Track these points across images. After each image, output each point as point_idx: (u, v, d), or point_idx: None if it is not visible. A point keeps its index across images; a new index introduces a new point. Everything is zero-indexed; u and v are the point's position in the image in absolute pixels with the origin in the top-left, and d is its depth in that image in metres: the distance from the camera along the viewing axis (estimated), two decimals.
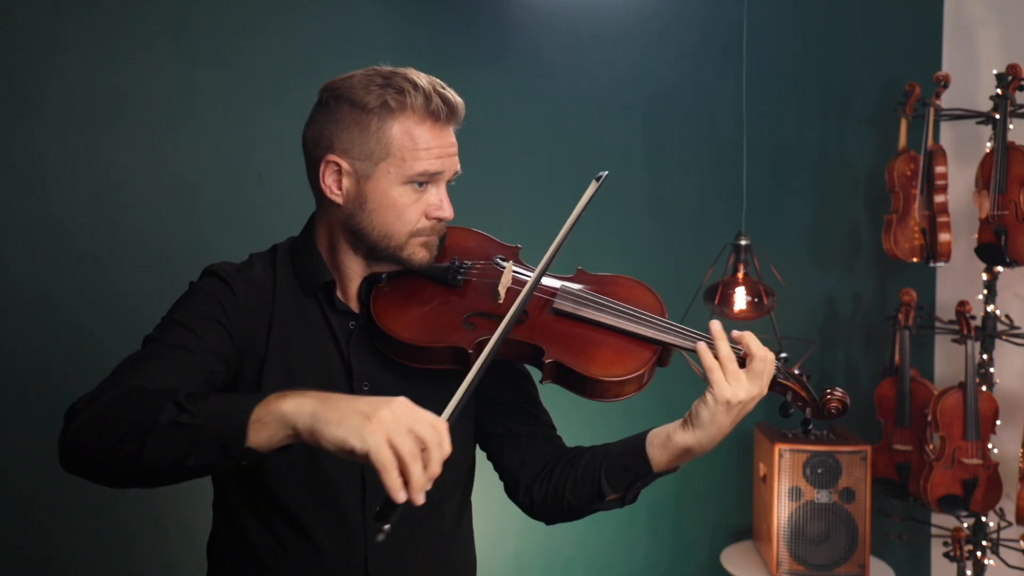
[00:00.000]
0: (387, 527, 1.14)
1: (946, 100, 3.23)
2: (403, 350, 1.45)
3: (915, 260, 3.16)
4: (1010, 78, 2.92)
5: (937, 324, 3.28)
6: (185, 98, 2.65)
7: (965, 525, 3.16)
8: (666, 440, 1.45)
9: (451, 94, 1.46)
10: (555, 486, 1.55)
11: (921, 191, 3.11)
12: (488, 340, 1.36)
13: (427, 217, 1.46)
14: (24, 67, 2.49)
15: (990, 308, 3.09)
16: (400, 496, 1.11)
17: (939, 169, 3.09)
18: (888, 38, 3.44)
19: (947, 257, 3.09)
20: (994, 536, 3.14)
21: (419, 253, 1.48)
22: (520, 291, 1.42)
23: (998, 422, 3.04)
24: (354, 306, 1.52)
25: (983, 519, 3.12)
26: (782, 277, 3.01)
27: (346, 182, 1.45)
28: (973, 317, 3.09)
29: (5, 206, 2.49)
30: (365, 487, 1.49)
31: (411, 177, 1.43)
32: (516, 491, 1.62)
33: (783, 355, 1.46)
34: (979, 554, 3.12)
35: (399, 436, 1.12)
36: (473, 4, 2.95)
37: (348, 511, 1.49)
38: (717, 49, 3.24)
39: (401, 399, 1.16)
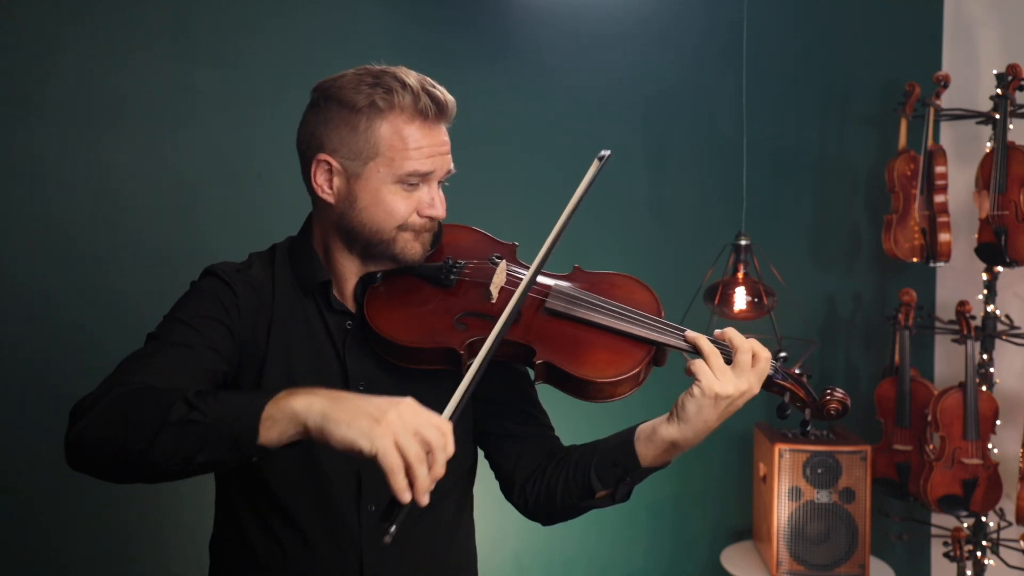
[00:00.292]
0: (393, 528, 1.15)
1: (946, 100, 3.23)
2: (395, 350, 1.44)
3: (915, 260, 3.15)
4: (1010, 78, 2.92)
5: (937, 324, 3.28)
6: (185, 98, 2.66)
7: (965, 525, 3.16)
8: (652, 434, 1.44)
9: (441, 92, 1.45)
10: (547, 484, 1.55)
11: (921, 191, 3.10)
12: (480, 340, 1.36)
13: (419, 215, 1.46)
14: (24, 67, 2.49)
15: (990, 308, 3.08)
16: (406, 497, 1.13)
17: (939, 169, 3.09)
18: (888, 38, 3.44)
19: (947, 257, 3.09)
20: (994, 536, 3.14)
21: (411, 248, 1.47)
22: (513, 291, 1.40)
23: (998, 422, 3.04)
24: (351, 305, 1.52)
25: (983, 519, 3.12)
26: (782, 277, 3.01)
27: (337, 181, 1.45)
28: (973, 317, 3.08)
29: (5, 206, 2.50)
30: (361, 485, 1.49)
31: (401, 177, 1.43)
32: (511, 491, 1.62)
33: (783, 355, 1.45)
34: (979, 554, 3.12)
35: (406, 440, 1.14)
36: (473, 4, 2.95)
37: (343, 509, 1.49)
38: (717, 49, 3.24)
39: (408, 401, 1.18)
